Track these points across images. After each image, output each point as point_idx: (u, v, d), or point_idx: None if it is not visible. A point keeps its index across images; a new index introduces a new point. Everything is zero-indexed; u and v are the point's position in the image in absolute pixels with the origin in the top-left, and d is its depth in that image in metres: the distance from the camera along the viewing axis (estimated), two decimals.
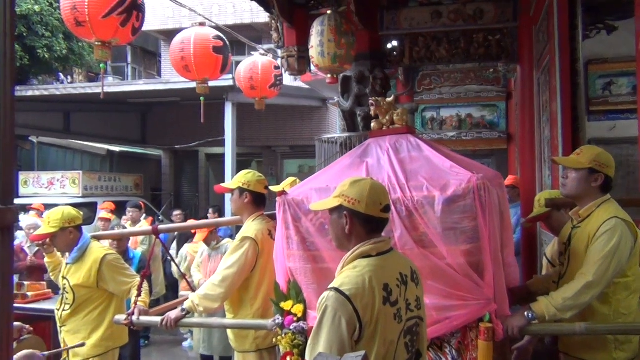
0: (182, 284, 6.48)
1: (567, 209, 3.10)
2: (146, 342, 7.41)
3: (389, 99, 3.02)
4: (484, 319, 2.47)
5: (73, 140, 15.60)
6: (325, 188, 2.72)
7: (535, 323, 2.57)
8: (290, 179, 4.54)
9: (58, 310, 3.82)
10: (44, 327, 4.62)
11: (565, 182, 2.80)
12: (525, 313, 2.56)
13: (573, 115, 3.59)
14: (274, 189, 3.47)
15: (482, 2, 5.23)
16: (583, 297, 2.51)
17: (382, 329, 1.88)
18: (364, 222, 1.99)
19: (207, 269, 5.81)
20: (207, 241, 5.94)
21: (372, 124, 3.06)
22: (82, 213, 3.98)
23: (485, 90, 9.57)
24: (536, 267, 4.46)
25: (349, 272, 1.94)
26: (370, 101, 3.07)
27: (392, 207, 2.41)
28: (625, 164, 5.99)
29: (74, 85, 14.40)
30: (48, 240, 3.87)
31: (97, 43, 3.80)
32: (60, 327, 3.81)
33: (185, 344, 7.44)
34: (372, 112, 3.06)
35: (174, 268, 6.88)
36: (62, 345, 3.81)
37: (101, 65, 4.44)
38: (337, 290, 1.87)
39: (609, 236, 2.53)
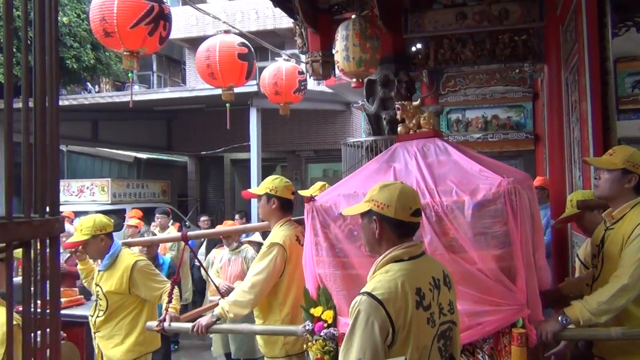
0: (211, 289, 6.53)
1: (600, 210, 3.04)
2: (176, 346, 7.48)
3: (415, 103, 3.01)
4: (517, 324, 2.44)
5: (101, 148, 15.88)
6: (353, 194, 2.71)
7: (570, 328, 2.53)
8: (319, 183, 4.55)
9: (92, 316, 3.89)
10: (77, 332, 4.70)
11: (597, 183, 2.75)
12: (560, 318, 2.52)
13: (604, 115, 3.52)
14: (304, 193, 3.48)
15: (508, 3, 5.18)
16: (618, 300, 2.46)
17: (415, 333, 1.87)
18: (393, 226, 1.99)
19: (227, 272, 5.85)
20: (230, 241, 6.00)
21: (399, 128, 3.05)
22: (112, 220, 4.05)
23: (511, 90, 9.45)
24: (567, 269, 4.39)
25: (381, 277, 1.94)
26: (397, 105, 3.06)
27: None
28: None
29: (102, 95, 14.67)
30: (80, 247, 3.94)
31: (125, 53, 3.87)
32: (95, 332, 3.88)
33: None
34: (398, 116, 3.05)
35: (203, 273, 6.94)
36: (96, 350, 3.88)
37: (130, 75, 4.51)
38: (369, 294, 1.87)
39: None
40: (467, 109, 9.86)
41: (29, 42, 1.13)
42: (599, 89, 3.54)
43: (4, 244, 0.98)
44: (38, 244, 1.07)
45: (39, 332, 1.09)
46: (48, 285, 1.09)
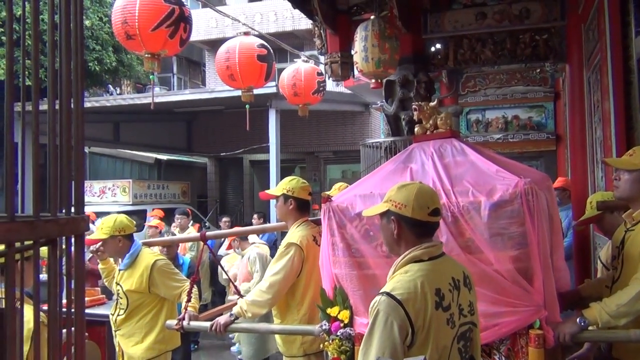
0: (231, 288, 6.58)
1: (620, 211, 3.00)
2: (195, 346, 7.54)
3: (432, 103, 3.00)
4: (534, 325, 2.42)
5: (122, 150, 16.08)
6: (370, 194, 2.72)
7: (588, 330, 2.50)
8: (341, 184, 4.55)
9: (113, 315, 3.95)
10: (99, 331, 4.77)
11: (618, 184, 2.71)
12: (578, 320, 2.49)
13: (626, 115, 3.47)
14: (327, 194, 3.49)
15: (529, 2, 5.13)
16: (638, 303, 2.42)
17: (435, 334, 1.87)
18: (411, 226, 1.99)
19: (231, 274, 5.89)
20: (242, 246, 6.05)
21: (416, 129, 3.05)
22: (134, 222, 4.10)
23: (532, 90, 9.35)
24: (590, 270, 4.34)
25: (401, 277, 1.94)
26: (414, 106, 3.05)
27: None
28: None
29: (123, 97, 14.86)
30: (100, 247, 4.00)
31: (146, 55, 3.92)
32: (115, 331, 3.93)
33: (233, 348, 7.54)
34: (415, 117, 3.04)
35: (221, 273, 7.00)
36: (117, 348, 3.94)
37: (151, 77, 4.57)
38: (388, 294, 1.87)
39: None
40: (487, 109, 9.78)
41: (55, 45, 1.15)
42: (622, 88, 3.49)
43: (32, 242, 1.01)
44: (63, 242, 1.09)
45: (64, 330, 1.11)
46: (73, 284, 1.11)
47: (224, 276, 6.23)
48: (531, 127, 9.49)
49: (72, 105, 1.15)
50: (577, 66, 4.86)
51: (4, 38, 10.82)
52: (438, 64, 5.74)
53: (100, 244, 3.95)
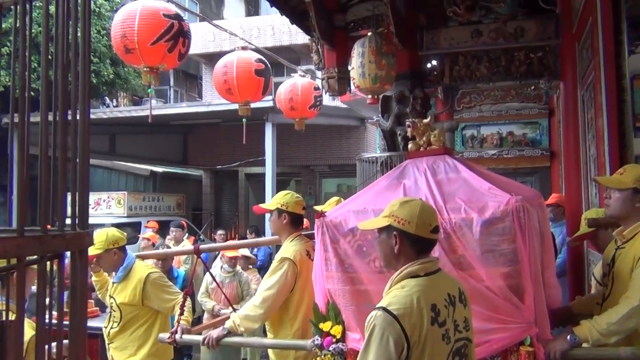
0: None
1: (613, 228, 3.02)
2: None
3: (426, 120, 3.02)
4: (525, 342, 2.43)
5: (118, 162, 16.07)
6: (363, 210, 2.73)
7: (579, 347, 2.50)
8: (335, 198, 4.56)
9: (106, 327, 3.93)
10: (92, 344, 4.73)
11: (608, 202, 2.74)
12: (568, 337, 2.50)
13: (620, 132, 3.50)
14: (320, 208, 3.50)
15: (523, 20, 5.19)
16: (628, 322, 2.43)
17: (430, 349, 1.88)
18: (413, 242, 2.01)
19: (220, 294, 5.83)
20: (235, 261, 6.05)
21: (410, 145, 3.07)
22: (125, 234, 4.09)
23: (526, 107, 9.42)
24: (584, 286, 4.34)
25: (397, 292, 1.95)
26: (407, 122, 3.07)
27: None
28: None
29: (120, 109, 14.88)
30: (94, 260, 3.99)
31: (145, 69, 3.94)
32: (109, 344, 3.91)
33: None
34: (409, 133, 3.06)
35: (214, 286, 6.96)
36: None
37: (149, 90, 4.59)
38: (384, 309, 1.88)
39: None
40: (482, 125, 9.84)
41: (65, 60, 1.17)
42: (615, 107, 3.53)
43: (39, 256, 1.02)
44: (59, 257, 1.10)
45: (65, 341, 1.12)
46: (76, 298, 1.12)
47: (201, 292, 6.20)
48: (526, 143, 9.54)
49: (77, 118, 1.16)
50: (571, 84, 4.91)
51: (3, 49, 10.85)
52: (434, 80, 5.79)
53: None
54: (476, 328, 2.21)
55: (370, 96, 4.97)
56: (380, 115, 5.94)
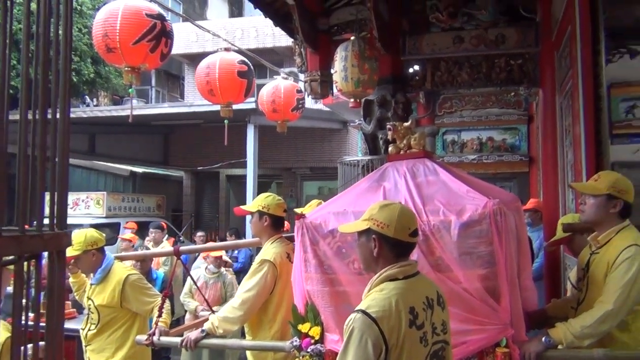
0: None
1: (588, 234, 3.08)
2: None
3: (406, 124, 3.05)
4: (501, 343, 2.46)
5: (97, 162, 15.89)
6: (343, 212, 2.75)
7: (553, 349, 2.55)
8: (315, 201, 4.57)
9: (83, 329, 3.88)
10: (68, 346, 4.68)
11: (583, 208, 2.79)
12: (543, 339, 2.54)
13: (596, 139, 3.57)
14: (299, 211, 3.50)
15: (504, 28, 5.26)
16: (602, 325, 2.49)
17: (408, 352, 1.90)
18: (392, 245, 2.02)
19: (205, 295, 5.83)
20: (219, 262, 6.02)
21: (390, 148, 3.09)
22: (104, 235, 4.05)
23: (506, 113, 9.54)
24: (559, 291, 4.41)
25: (376, 295, 1.97)
26: (388, 125, 3.10)
27: None
28: None
29: (100, 108, 14.72)
30: (72, 261, 3.94)
31: (126, 68, 3.91)
32: (86, 346, 3.86)
33: None
34: (389, 136, 3.09)
35: (194, 288, 6.92)
36: None
37: (130, 90, 4.57)
38: (363, 312, 1.90)
39: (628, 264, 2.51)
40: (463, 130, 9.95)
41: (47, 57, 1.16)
42: (592, 114, 3.59)
43: (17, 257, 1.01)
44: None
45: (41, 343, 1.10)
46: (54, 299, 1.11)
47: (184, 293, 6.16)
48: (505, 148, 9.67)
49: (57, 117, 1.16)
50: (550, 91, 4.99)
51: None
52: (416, 85, 5.83)
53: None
54: (453, 329, 2.24)
55: (352, 100, 4.99)
56: (362, 119, 5.97)
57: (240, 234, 9.65)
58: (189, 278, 6.17)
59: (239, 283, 5.05)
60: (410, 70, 5.81)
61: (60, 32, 1.21)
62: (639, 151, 6.32)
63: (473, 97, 8.95)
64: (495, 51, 5.35)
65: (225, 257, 6.70)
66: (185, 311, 7.92)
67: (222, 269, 6.26)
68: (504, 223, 2.45)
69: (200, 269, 6.18)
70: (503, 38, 5.27)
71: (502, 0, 5.21)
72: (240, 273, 7.36)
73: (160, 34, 3.93)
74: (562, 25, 4.29)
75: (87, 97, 16.97)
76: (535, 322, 2.99)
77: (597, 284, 2.64)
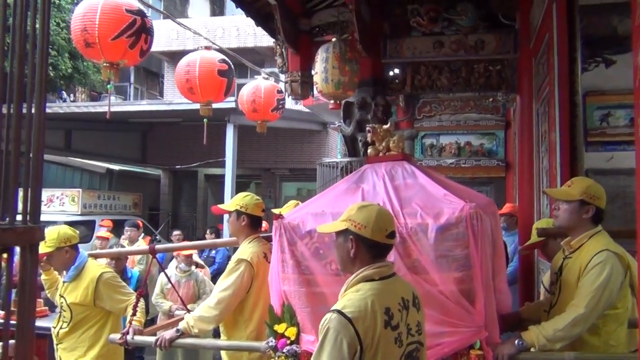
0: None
1: (562, 238, 3.13)
2: None
3: (386, 126, 3.07)
4: (475, 346, 2.49)
5: (73, 158, 15.66)
6: (321, 213, 2.75)
7: (526, 352, 2.59)
8: (293, 202, 4.57)
9: (55, 327, 3.82)
10: (40, 344, 4.59)
11: (557, 213, 2.84)
12: (516, 342, 2.58)
13: (571, 146, 3.63)
14: (277, 211, 3.49)
15: (483, 34, 5.33)
16: (574, 329, 2.54)
17: (383, 352, 1.91)
18: (369, 246, 2.03)
19: (177, 295, 5.78)
20: (191, 260, 5.99)
21: (369, 150, 3.11)
22: (78, 232, 3.99)
23: (484, 118, 9.66)
24: (533, 294, 4.47)
25: (352, 295, 1.98)
26: (368, 128, 3.12)
27: None
28: (622, 195, 6.01)
29: (77, 104, 14.52)
30: (44, 258, 3.87)
31: (105, 64, 3.86)
32: (57, 344, 3.80)
33: None
34: (369, 139, 3.10)
35: (169, 287, 6.85)
36: None
37: (108, 86, 4.50)
38: (339, 312, 1.90)
39: (600, 269, 2.55)
40: (442, 134, 10.04)
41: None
42: (568, 121, 3.65)
43: None
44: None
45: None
46: (25, 294, 1.09)
47: (156, 294, 6.10)
48: (482, 153, 9.78)
49: (32, 112, 1.14)
50: (527, 97, 5.06)
51: None
52: (396, 89, 5.88)
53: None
54: (428, 331, 2.25)
55: (332, 101, 5.01)
56: (342, 120, 5.99)
57: (220, 233, 9.60)
58: (159, 279, 6.12)
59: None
60: (391, 73, 5.86)
61: (37, 25, 1.20)
62: (612, 159, 6.44)
63: (452, 101, 9.05)
64: (474, 57, 5.42)
65: (197, 258, 6.63)
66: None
67: (193, 267, 6.22)
68: (480, 227, 2.48)
69: (171, 269, 6.13)
70: (482, 44, 5.35)
71: (482, 6, 5.28)
72: (217, 275, 7.31)
73: (140, 30, 3.88)
74: (540, 33, 4.36)
75: (64, 92, 16.73)
76: (508, 325, 3.03)
77: (570, 287, 2.68)
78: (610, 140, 6.52)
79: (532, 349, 2.59)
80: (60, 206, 12.14)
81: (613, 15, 4.86)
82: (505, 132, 9.65)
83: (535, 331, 2.58)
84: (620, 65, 5.60)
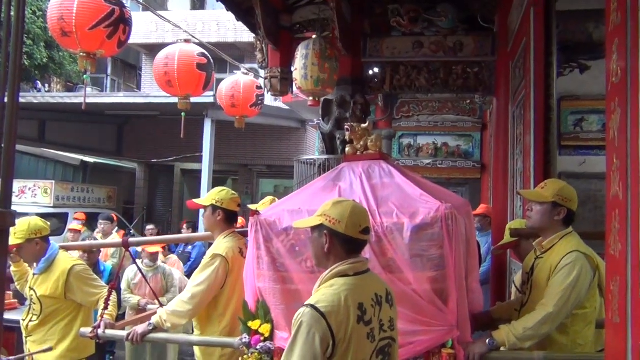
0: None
1: (534, 239, 3.19)
2: (111, 357, 7.25)
3: (364, 125, 3.08)
4: (447, 344, 2.52)
5: (46, 149, 15.39)
6: (298, 210, 2.75)
7: (497, 350, 2.63)
8: (269, 198, 4.56)
9: (24, 320, 3.75)
10: (8, 337, 4.52)
11: (530, 214, 2.89)
12: (487, 341, 2.62)
13: (545, 149, 3.69)
14: (253, 207, 3.48)
15: (462, 36, 5.38)
16: (543, 327, 2.59)
17: (355, 347, 1.92)
18: (343, 242, 2.04)
19: (144, 289, 5.79)
20: (156, 256, 5.93)
21: (347, 149, 3.11)
22: (49, 224, 3.92)
23: (461, 120, 9.76)
24: (505, 294, 4.53)
25: (326, 290, 1.99)
26: (346, 126, 3.12)
27: None
28: (593, 199, 6.14)
29: (52, 94, 14.27)
30: (14, 250, 3.80)
31: (81, 54, 3.81)
32: (26, 337, 3.74)
33: None
34: (347, 137, 3.11)
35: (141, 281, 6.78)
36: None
37: (84, 77, 4.44)
38: (312, 307, 1.91)
39: (569, 269, 2.61)
40: (419, 134, 10.13)
41: None
42: (543, 124, 3.70)
43: None
44: None
45: None
46: None
47: (123, 289, 6.03)
48: (459, 154, 9.89)
49: (5, 101, 1.12)
50: (504, 100, 5.12)
51: None
52: (375, 88, 5.89)
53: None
54: (401, 330, 2.27)
55: (311, 98, 5.00)
56: (320, 118, 6.00)
57: (197, 228, 9.53)
58: (125, 274, 6.05)
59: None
60: (370, 72, 5.87)
61: (12, 13, 1.18)
62: (585, 163, 6.57)
63: (430, 102, 9.12)
64: (453, 58, 5.47)
65: (160, 255, 6.52)
66: None
67: (159, 262, 6.17)
68: (455, 227, 2.50)
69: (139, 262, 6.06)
70: (461, 46, 5.40)
71: (462, 9, 5.32)
72: (192, 273, 7.25)
73: (119, 20, 3.83)
74: (518, 37, 4.42)
75: (38, 82, 16.42)
76: (480, 324, 3.07)
77: (540, 287, 2.73)
78: (583, 144, 6.65)
79: (503, 348, 2.63)
80: (32, 198, 11.92)
81: (589, 22, 4.94)
82: (481, 134, 9.77)
83: (506, 330, 2.62)
84: (595, 71, 5.71)
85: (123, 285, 6.03)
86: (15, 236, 3.60)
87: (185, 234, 8.37)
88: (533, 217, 2.86)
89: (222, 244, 3.43)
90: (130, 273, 5.98)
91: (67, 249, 4.03)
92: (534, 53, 3.77)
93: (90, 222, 9.55)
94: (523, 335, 2.57)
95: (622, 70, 1.55)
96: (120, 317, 5.27)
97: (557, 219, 2.77)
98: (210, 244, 3.71)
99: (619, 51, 1.58)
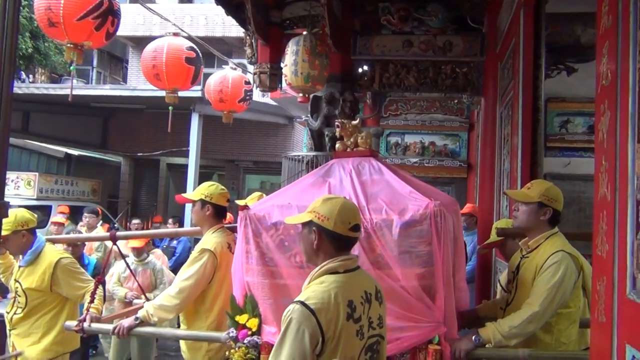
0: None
1: (520, 238, 3.23)
2: (94, 351, 7.21)
3: (355, 122, 3.09)
4: (433, 341, 2.54)
5: (30, 141, 15.19)
6: (287, 205, 2.76)
7: (482, 348, 2.66)
8: (257, 194, 4.55)
9: (8, 313, 3.72)
10: None
11: (516, 214, 2.93)
12: (473, 338, 2.65)
13: (532, 150, 3.73)
14: (241, 202, 3.47)
15: (452, 35, 5.41)
16: (529, 326, 2.62)
17: (344, 344, 1.93)
18: (332, 239, 2.05)
19: (134, 283, 5.71)
20: (140, 251, 5.89)
21: (337, 145, 3.13)
22: (36, 216, 3.89)
23: (449, 119, 9.82)
24: (490, 293, 4.58)
25: (316, 287, 1.99)
26: (337, 123, 3.13)
27: None
28: (577, 200, 6.23)
29: (37, 85, 14.09)
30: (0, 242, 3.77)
31: (69, 45, 3.77)
32: (10, 330, 3.70)
33: None
34: (337, 133, 3.12)
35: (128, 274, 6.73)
36: (10, 349, 3.70)
37: (71, 68, 4.40)
38: (302, 303, 1.92)
39: (555, 269, 2.65)
40: (407, 133, 10.16)
41: None
42: (530, 125, 3.74)
43: None
44: None
45: None
46: None
47: (113, 282, 5.99)
48: (446, 154, 9.95)
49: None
50: (492, 100, 5.16)
51: None
52: (364, 85, 5.90)
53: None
54: (389, 326, 2.29)
55: (301, 95, 5.00)
56: (309, 114, 5.99)
57: (183, 223, 9.48)
58: (116, 267, 6.01)
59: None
60: (360, 70, 5.88)
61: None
62: (570, 165, 6.65)
63: (418, 101, 9.17)
64: (442, 57, 5.49)
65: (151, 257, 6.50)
66: None
67: (151, 256, 6.13)
68: (444, 224, 2.53)
69: (130, 257, 6.02)
70: (450, 45, 5.42)
71: (452, 9, 5.35)
72: (178, 267, 7.21)
73: (107, 12, 3.80)
74: (507, 38, 4.45)
75: (22, 73, 16.20)
76: (466, 321, 3.11)
77: (526, 286, 2.77)
78: (568, 146, 6.75)
79: (488, 345, 2.67)
80: (15, 190, 11.77)
81: (577, 25, 5.00)
82: (468, 134, 9.83)
83: (492, 328, 2.65)
84: (581, 74, 5.79)
85: (113, 278, 5.99)
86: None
87: (172, 228, 8.33)
88: (519, 217, 2.90)
89: (211, 239, 3.42)
90: (120, 266, 5.93)
91: (53, 241, 4.00)
92: (522, 54, 3.80)
93: (74, 215, 9.46)
94: (509, 333, 2.61)
95: (612, 73, 1.57)
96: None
97: (543, 219, 2.81)
98: (197, 239, 3.70)
99: (609, 54, 1.60)
